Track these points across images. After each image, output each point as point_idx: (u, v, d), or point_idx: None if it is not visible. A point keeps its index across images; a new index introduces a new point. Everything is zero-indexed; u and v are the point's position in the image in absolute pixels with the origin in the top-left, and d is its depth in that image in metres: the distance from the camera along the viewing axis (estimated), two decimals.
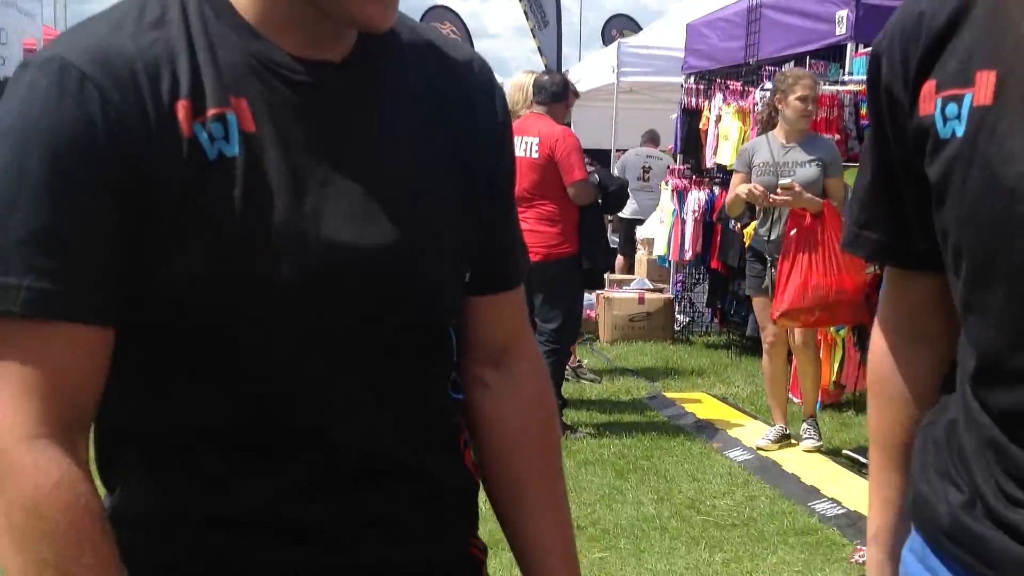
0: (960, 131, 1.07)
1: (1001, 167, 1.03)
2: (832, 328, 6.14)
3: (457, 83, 1.20)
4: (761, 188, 5.46)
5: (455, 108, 1.18)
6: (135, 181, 0.99)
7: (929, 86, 1.10)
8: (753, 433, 5.98)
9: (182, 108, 1.02)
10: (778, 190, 5.35)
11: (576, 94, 6.47)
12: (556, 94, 6.05)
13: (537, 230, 5.89)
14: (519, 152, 5.95)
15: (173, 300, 1.04)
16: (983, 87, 1.05)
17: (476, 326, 1.27)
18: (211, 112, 1.03)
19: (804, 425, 5.74)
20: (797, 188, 5.32)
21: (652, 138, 12.08)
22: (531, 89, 6.13)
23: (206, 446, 1.09)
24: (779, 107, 5.60)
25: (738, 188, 5.67)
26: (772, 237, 5.60)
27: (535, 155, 5.88)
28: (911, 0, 1.16)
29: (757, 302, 5.85)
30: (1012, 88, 1.04)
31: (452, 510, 1.23)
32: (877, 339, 1.34)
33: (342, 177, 1.09)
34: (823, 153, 5.53)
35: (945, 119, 1.08)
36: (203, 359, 1.07)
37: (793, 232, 5.36)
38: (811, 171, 5.48)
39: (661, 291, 9.28)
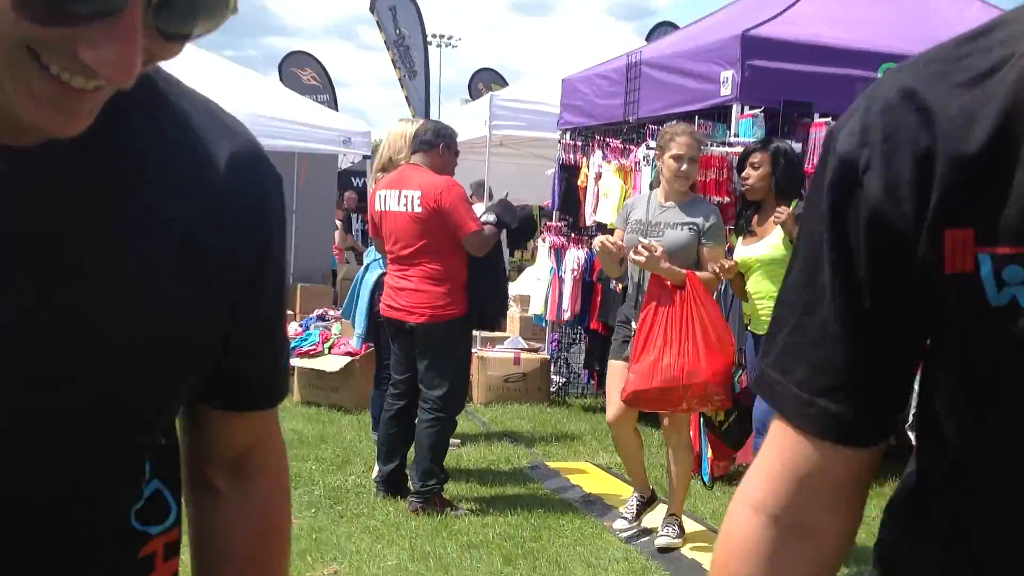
0: None
1: None
2: None
3: (213, 180, 0.95)
4: (613, 241, 4.81)
5: (203, 211, 0.94)
6: None
7: (960, 236, 0.81)
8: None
9: None
10: (638, 247, 4.68)
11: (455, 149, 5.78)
12: (425, 142, 5.43)
13: (422, 289, 5.28)
14: (398, 207, 5.32)
15: None
16: None
17: (210, 434, 1.13)
18: None
19: (665, 521, 4.96)
20: (658, 252, 4.65)
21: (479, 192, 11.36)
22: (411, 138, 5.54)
23: None
24: (658, 164, 4.98)
25: (594, 240, 5.08)
26: (639, 302, 4.91)
27: (417, 209, 5.26)
28: (906, 96, 0.84)
29: (612, 365, 5.03)
30: None
31: None
32: (744, 518, 0.99)
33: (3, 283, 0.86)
34: (700, 218, 4.81)
35: (1001, 284, 0.80)
36: None
37: (653, 303, 4.69)
38: (680, 235, 4.78)
39: (536, 351, 8.72)
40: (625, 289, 5.89)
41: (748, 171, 4.96)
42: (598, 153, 8.10)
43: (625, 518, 5.06)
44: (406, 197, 5.30)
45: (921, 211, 0.82)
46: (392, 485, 5.62)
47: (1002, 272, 0.81)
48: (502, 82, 16.88)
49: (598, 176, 7.98)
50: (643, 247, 4.65)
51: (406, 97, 15.25)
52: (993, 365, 0.83)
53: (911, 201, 0.83)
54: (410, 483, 5.49)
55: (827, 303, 0.90)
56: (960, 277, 0.82)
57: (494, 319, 5.89)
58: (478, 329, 5.91)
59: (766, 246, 4.81)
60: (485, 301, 5.48)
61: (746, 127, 6.68)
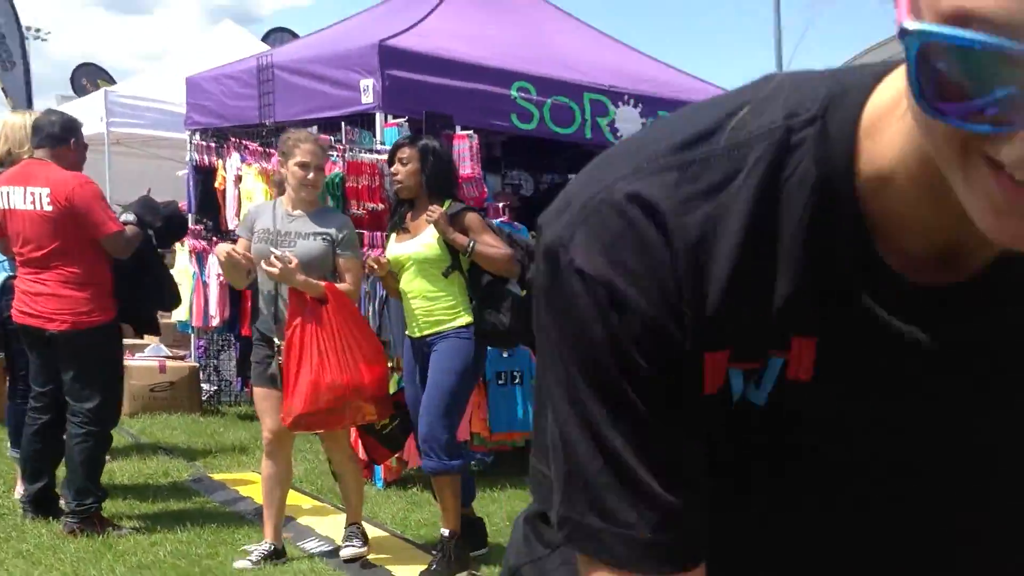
0: (760, 400, 0.80)
1: (818, 479, 0.84)
2: None
3: None
4: (241, 252, 4.48)
5: None
6: None
7: (718, 357, 0.79)
8: (321, 518, 5.34)
9: None
10: (271, 258, 4.35)
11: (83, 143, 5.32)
12: (53, 136, 5.02)
13: (60, 295, 4.90)
14: (24, 205, 4.91)
15: None
16: (802, 358, 0.79)
17: None
18: None
19: (347, 532, 4.77)
20: (293, 263, 4.33)
21: None
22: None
23: None
24: (283, 171, 4.70)
25: (216, 249, 4.92)
26: (279, 318, 4.52)
27: (47, 207, 4.88)
28: (645, 210, 0.77)
29: (258, 392, 4.67)
30: (833, 368, 0.79)
31: None
32: None
33: None
34: (333, 228, 4.54)
35: (745, 387, 0.81)
36: None
37: (298, 320, 4.39)
38: (314, 245, 4.49)
39: (182, 358, 8.30)
40: None
41: (397, 166, 4.72)
42: (236, 155, 7.86)
43: (250, 560, 4.66)
44: (33, 194, 4.89)
45: (683, 333, 0.78)
46: (41, 505, 5.18)
47: (749, 380, 0.80)
48: (110, 79, 15.82)
49: (238, 179, 7.74)
50: (276, 258, 4.36)
51: (2, 89, 13.94)
52: (727, 463, 0.84)
53: (672, 323, 0.77)
54: (62, 503, 5.09)
55: (637, 429, 0.80)
56: (715, 397, 0.80)
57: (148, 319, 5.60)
58: (139, 332, 5.57)
59: (419, 244, 4.64)
60: (142, 303, 5.20)
61: (391, 135, 6.74)
